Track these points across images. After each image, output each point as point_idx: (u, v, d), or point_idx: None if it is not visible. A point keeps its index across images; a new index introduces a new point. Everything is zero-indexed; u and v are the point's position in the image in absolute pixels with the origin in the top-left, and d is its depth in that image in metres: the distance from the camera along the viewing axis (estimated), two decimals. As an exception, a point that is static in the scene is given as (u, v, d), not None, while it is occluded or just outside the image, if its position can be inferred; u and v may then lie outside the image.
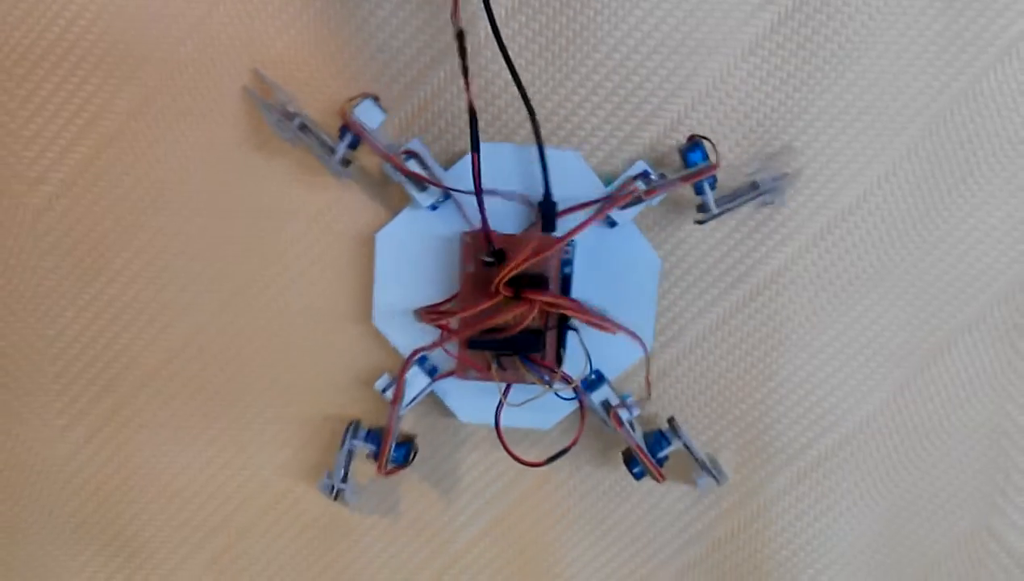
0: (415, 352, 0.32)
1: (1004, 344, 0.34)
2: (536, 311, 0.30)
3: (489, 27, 0.29)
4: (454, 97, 0.33)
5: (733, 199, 0.31)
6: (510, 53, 0.30)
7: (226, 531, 0.37)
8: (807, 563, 0.36)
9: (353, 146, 0.31)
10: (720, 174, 0.31)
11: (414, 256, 0.33)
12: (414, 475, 0.36)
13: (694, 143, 0.31)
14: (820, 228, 0.33)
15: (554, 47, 0.32)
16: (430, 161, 0.31)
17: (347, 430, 0.34)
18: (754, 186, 0.31)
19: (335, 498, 0.34)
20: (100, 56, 0.33)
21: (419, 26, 0.32)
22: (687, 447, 0.33)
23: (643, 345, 0.32)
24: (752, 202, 0.31)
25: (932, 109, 0.32)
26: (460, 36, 0.29)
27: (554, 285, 0.30)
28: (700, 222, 0.31)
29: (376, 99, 0.31)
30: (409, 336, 0.33)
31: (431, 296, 0.33)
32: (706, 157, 0.31)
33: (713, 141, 0.31)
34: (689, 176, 0.30)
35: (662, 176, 0.31)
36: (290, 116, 0.31)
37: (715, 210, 0.31)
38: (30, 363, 0.35)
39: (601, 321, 0.31)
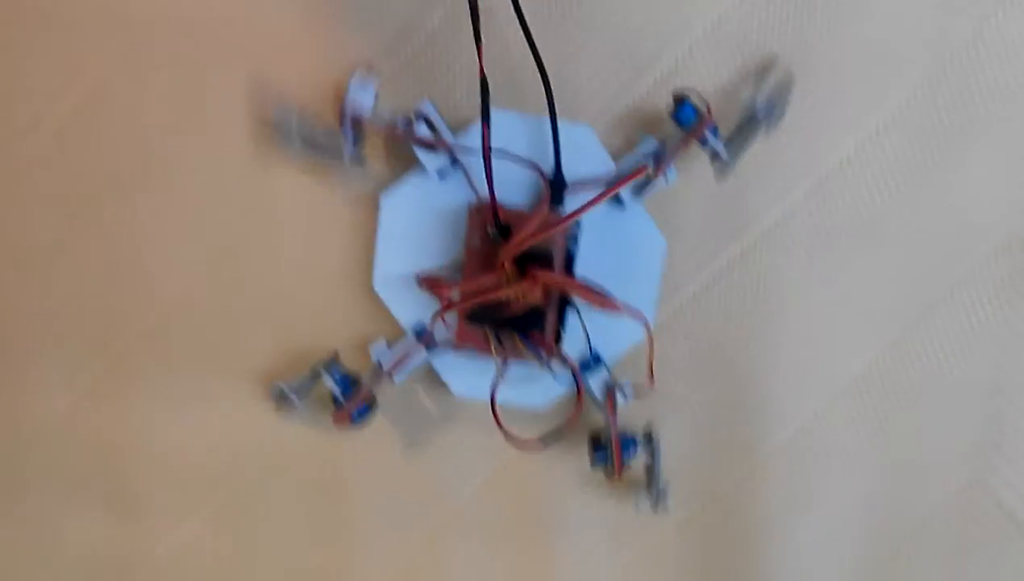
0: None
1: (1001, 300, 0.34)
2: (539, 288, 0.29)
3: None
4: (461, 49, 0.32)
5: (742, 140, 0.30)
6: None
7: (225, 487, 0.37)
8: (800, 521, 0.36)
9: (358, 141, 0.31)
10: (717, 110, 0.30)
11: (419, 223, 0.32)
12: (412, 432, 0.36)
13: (680, 101, 0.30)
14: (815, 181, 0.33)
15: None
16: (439, 123, 0.31)
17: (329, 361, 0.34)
18: (753, 117, 0.30)
19: (277, 407, 0.34)
20: (88, 6, 0.32)
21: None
22: (652, 465, 0.33)
23: (648, 329, 0.31)
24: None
25: (932, 56, 0.32)
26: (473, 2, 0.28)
27: (558, 262, 0.30)
28: (720, 178, 0.31)
29: (366, 69, 0.30)
30: (408, 303, 0.33)
31: (434, 265, 0.32)
32: (695, 109, 0.30)
33: (701, 92, 0.30)
34: (688, 137, 0.30)
35: (663, 145, 0.31)
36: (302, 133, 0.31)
37: (727, 159, 0.30)
38: (26, 320, 0.35)
39: (605, 302, 0.30)
